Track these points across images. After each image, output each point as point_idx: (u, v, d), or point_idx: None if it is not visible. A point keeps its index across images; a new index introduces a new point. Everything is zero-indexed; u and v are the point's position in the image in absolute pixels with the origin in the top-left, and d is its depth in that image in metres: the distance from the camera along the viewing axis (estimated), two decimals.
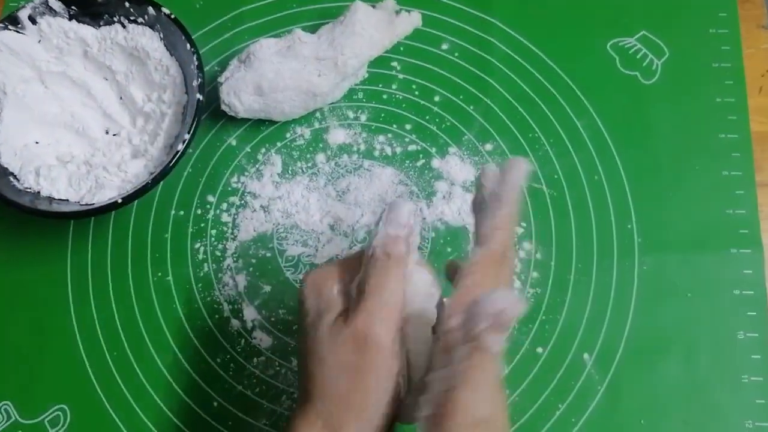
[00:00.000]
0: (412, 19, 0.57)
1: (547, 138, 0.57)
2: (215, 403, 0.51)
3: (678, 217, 0.55)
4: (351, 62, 0.54)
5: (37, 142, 0.53)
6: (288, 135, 0.57)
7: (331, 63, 0.53)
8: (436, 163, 0.56)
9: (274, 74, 0.53)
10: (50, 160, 0.53)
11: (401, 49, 0.59)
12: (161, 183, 0.49)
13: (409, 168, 0.56)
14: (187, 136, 0.49)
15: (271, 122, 0.57)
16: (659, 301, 0.53)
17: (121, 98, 0.56)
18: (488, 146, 0.57)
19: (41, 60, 0.53)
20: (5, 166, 0.51)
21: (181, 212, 0.55)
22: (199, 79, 0.50)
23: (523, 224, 0.55)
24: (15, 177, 0.51)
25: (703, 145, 0.56)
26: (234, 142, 0.57)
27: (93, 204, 0.49)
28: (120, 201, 0.48)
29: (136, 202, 0.49)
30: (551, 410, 0.51)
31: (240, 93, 0.53)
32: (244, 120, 0.56)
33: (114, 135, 0.55)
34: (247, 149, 0.57)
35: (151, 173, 0.51)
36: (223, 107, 0.54)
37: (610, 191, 0.55)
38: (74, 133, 0.54)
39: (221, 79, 0.54)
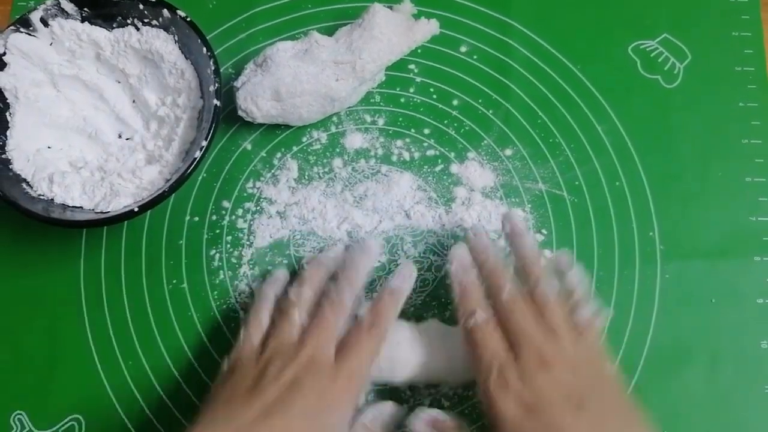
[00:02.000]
0: (431, 27, 0.56)
1: (567, 143, 0.56)
2: None
3: (701, 224, 0.54)
4: (369, 67, 0.53)
5: (49, 147, 0.52)
6: (304, 139, 0.56)
7: (349, 67, 0.52)
8: (454, 168, 0.55)
9: (292, 79, 0.51)
10: (63, 166, 0.52)
11: (419, 51, 0.57)
12: None
13: (427, 173, 0.55)
14: (204, 143, 0.48)
15: (287, 126, 0.56)
16: (682, 310, 0.52)
17: (134, 102, 0.54)
18: (508, 151, 0.56)
19: (53, 63, 0.52)
20: (18, 172, 0.50)
21: (196, 218, 0.54)
22: (216, 84, 0.49)
23: (544, 231, 0.54)
24: (28, 184, 0.49)
25: (726, 150, 0.56)
26: (249, 147, 0.56)
27: (108, 212, 0.48)
28: (136, 210, 0.47)
29: None
30: None
31: (257, 99, 0.52)
32: (260, 124, 0.55)
33: (127, 139, 0.54)
34: (263, 154, 0.56)
35: (167, 180, 0.50)
36: (240, 113, 0.53)
37: (632, 198, 0.55)
38: (87, 138, 0.53)
39: (237, 84, 0.53)
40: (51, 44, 0.52)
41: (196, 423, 0.43)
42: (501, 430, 0.42)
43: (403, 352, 0.48)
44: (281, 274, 0.51)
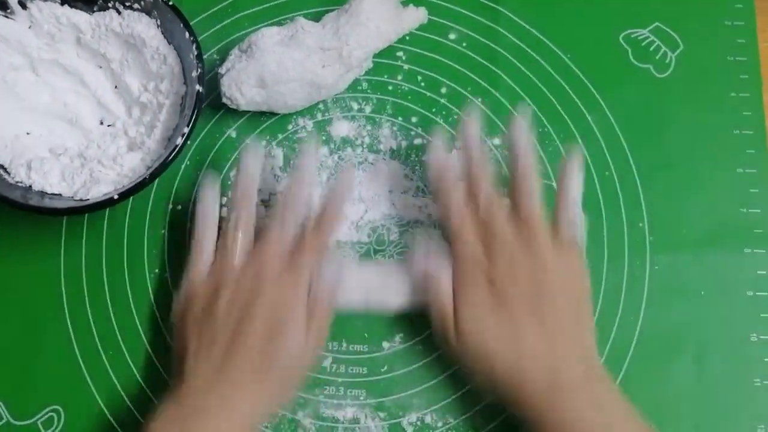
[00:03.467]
0: (419, 15, 0.55)
1: (557, 133, 0.55)
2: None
3: (691, 215, 0.53)
4: (356, 53, 0.52)
5: (28, 133, 0.51)
6: (290, 127, 0.55)
7: (336, 54, 0.51)
8: None
9: (277, 65, 0.50)
10: (42, 153, 0.51)
11: (407, 38, 0.56)
12: None
13: (414, 162, 0.54)
14: (186, 130, 0.47)
15: (272, 113, 0.55)
16: (671, 302, 0.52)
17: (116, 87, 0.53)
18: (496, 140, 0.55)
19: (32, 47, 0.51)
20: None
21: (179, 207, 0.53)
22: (199, 70, 0.48)
23: None
24: (5, 170, 0.48)
25: (717, 141, 0.55)
26: (234, 134, 0.55)
27: (87, 199, 0.47)
28: (116, 197, 0.46)
29: None
30: None
31: (242, 85, 0.51)
32: (244, 111, 0.54)
33: (109, 126, 0.53)
34: (248, 141, 0.55)
35: (148, 167, 0.49)
36: (224, 100, 0.52)
37: (622, 188, 0.54)
38: (67, 124, 0.52)
39: (221, 70, 0.52)
40: (30, 27, 0.51)
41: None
42: (465, 323, 0.45)
43: (394, 281, 0.49)
44: (211, 191, 0.49)
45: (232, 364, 0.44)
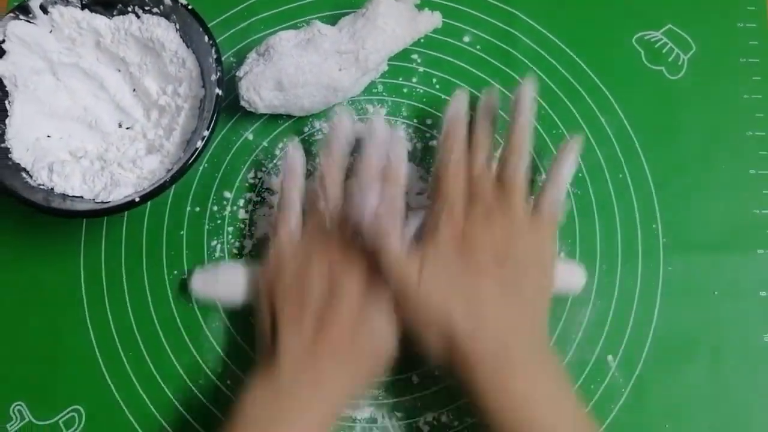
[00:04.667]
0: (434, 19, 0.56)
1: (570, 134, 0.55)
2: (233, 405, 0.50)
3: (704, 216, 0.54)
4: (372, 57, 0.52)
5: (48, 136, 0.52)
6: (306, 129, 0.55)
7: (353, 57, 0.52)
8: None
9: (294, 68, 0.51)
10: (63, 155, 0.51)
11: (422, 41, 0.57)
12: None
13: (429, 164, 0.55)
14: (206, 133, 0.47)
15: (289, 116, 0.55)
16: (685, 303, 0.52)
17: (134, 90, 0.54)
18: None
19: (53, 51, 0.51)
20: (17, 161, 0.49)
21: (197, 208, 0.54)
22: (218, 73, 0.49)
23: None
24: (28, 173, 0.49)
25: (730, 142, 0.55)
26: (251, 137, 0.55)
27: (109, 202, 0.48)
28: (137, 200, 0.46)
29: None
30: None
31: (260, 89, 0.51)
32: (261, 113, 0.54)
33: (127, 128, 0.53)
34: (264, 144, 0.55)
35: (168, 170, 0.49)
36: (243, 103, 0.52)
37: (635, 190, 0.54)
38: (87, 127, 0.53)
39: (239, 73, 0.52)
40: (51, 32, 0.51)
41: (270, 339, 0.46)
42: (428, 279, 0.44)
43: None
44: (297, 164, 0.51)
45: (322, 346, 0.44)
